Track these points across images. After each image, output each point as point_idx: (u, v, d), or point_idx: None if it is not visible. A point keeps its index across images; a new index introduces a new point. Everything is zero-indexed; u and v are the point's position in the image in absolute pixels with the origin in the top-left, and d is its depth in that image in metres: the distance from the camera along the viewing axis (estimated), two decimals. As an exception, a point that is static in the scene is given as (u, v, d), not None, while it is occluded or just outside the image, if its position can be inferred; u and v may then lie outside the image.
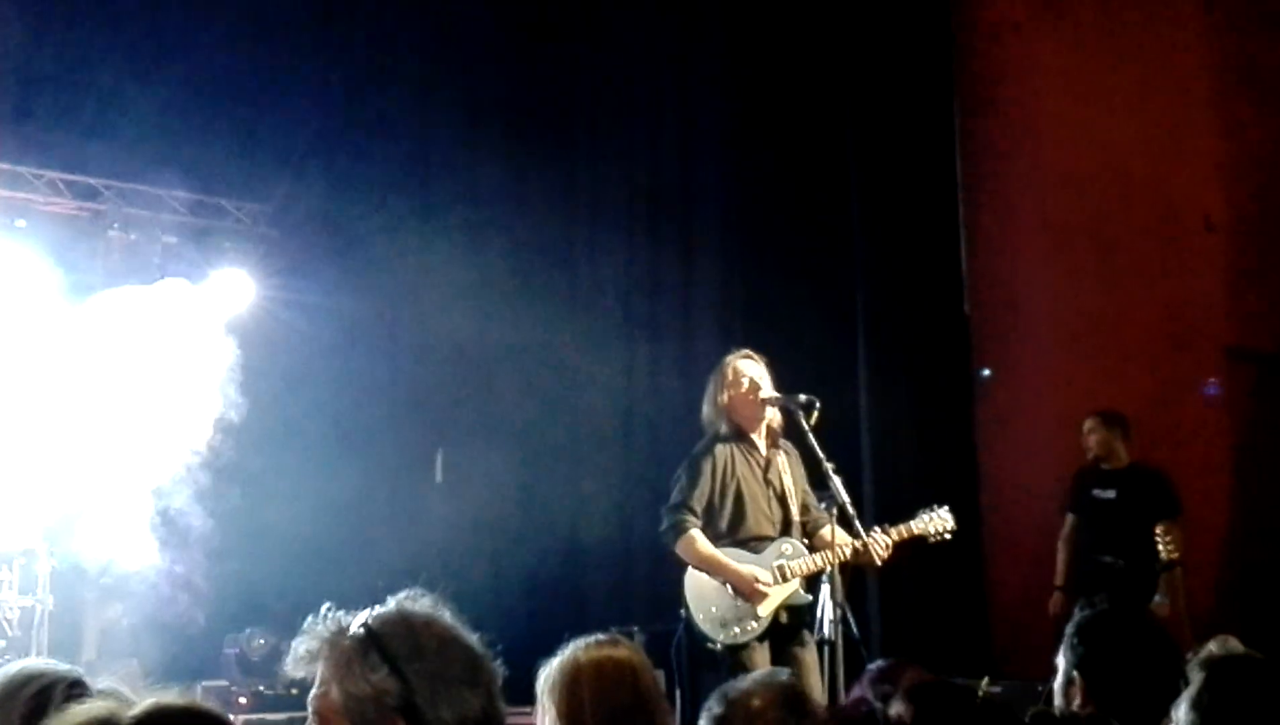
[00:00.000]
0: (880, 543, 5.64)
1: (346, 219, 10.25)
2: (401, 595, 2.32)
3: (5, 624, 8.11)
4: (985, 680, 6.65)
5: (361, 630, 2.22)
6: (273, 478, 9.99)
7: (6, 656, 7.94)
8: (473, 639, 2.27)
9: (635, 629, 7.99)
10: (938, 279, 8.79)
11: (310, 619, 2.35)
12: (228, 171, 10.00)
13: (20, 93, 9.28)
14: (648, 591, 8.45)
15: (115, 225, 9.74)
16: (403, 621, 2.25)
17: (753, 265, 9.17)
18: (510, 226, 9.83)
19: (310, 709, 2.25)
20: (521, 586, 8.97)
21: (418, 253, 9.89)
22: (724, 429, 5.86)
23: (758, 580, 5.57)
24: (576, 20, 9.78)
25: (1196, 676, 2.85)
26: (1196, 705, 2.74)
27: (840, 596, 5.64)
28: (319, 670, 2.26)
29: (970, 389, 8.71)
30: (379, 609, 2.27)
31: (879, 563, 5.72)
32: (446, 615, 2.29)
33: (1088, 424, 7.72)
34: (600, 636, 3.16)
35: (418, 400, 10.09)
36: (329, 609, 2.34)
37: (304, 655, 2.31)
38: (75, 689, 2.44)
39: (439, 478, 10.01)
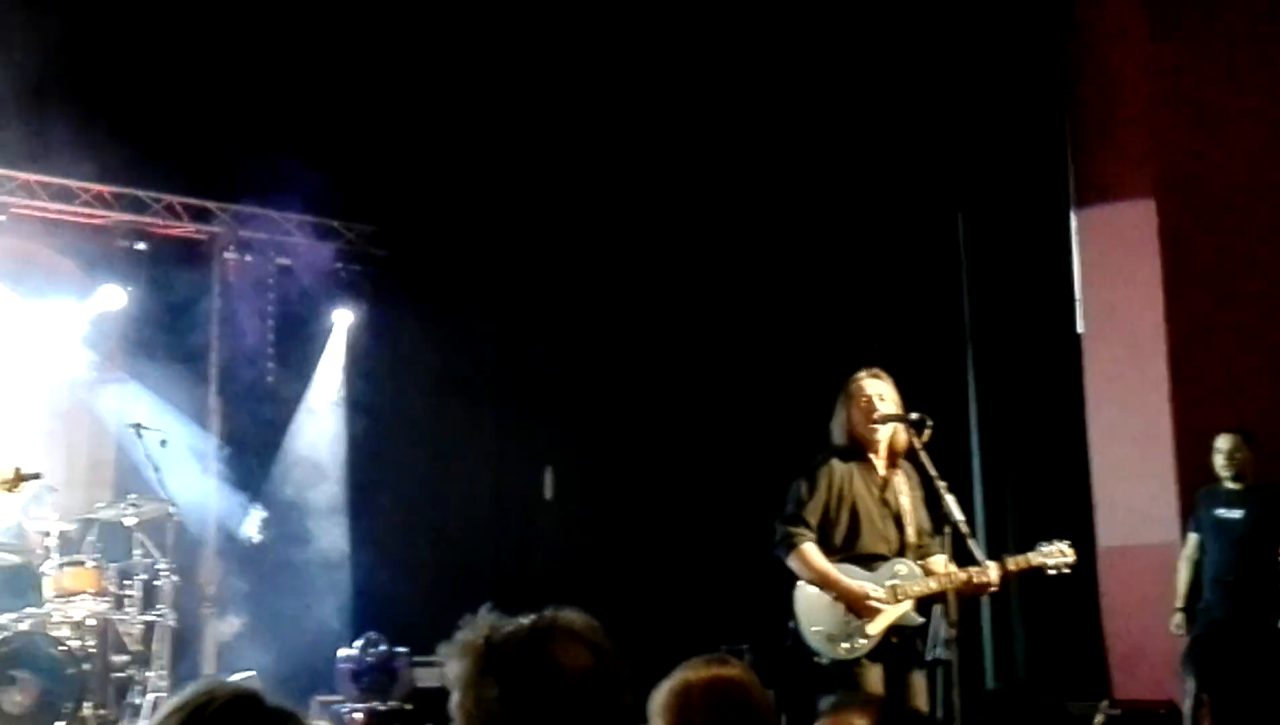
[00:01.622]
0: (995, 572, 5.51)
1: (453, 242, 10.40)
2: (532, 616, 2.27)
3: (128, 638, 8.27)
4: (1104, 703, 6.65)
5: (483, 644, 2.21)
6: (380, 491, 10.28)
7: (129, 670, 8.28)
8: (590, 659, 2.21)
9: (745, 647, 8.09)
10: (1049, 299, 8.75)
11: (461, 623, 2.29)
12: (339, 194, 10.14)
13: (140, 117, 9.38)
14: (756, 608, 8.36)
15: (228, 252, 10.10)
16: (536, 641, 2.23)
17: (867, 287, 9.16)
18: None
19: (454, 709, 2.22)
20: (628, 602, 8.76)
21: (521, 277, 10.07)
22: (843, 444, 5.83)
23: (870, 597, 5.52)
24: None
25: None
26: None
27: (954, 619, 5.53)
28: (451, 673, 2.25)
29: (1082, 411, 8.58)
30: (508, 626, 2.24)
31: (992, 590, 5.65)
32: (587, 636, 2.24)
33: (1229, 443, 7.57)
34: (710, 655, 3.08)
35: (525, 413, 10.17)
36: (484, 609, 2.31)
37: (444, 670, 2.27)
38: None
39: (548, 495, 10.13)
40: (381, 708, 8.70)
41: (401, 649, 9.12)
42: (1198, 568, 7.62)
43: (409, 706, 8.71)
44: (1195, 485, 7.86)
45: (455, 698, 2.19)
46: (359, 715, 8.63)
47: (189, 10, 9.10)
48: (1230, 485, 7.58)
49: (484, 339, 10.31)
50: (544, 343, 10.06)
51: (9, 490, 4.55)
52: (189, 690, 1.93)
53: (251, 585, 9.88)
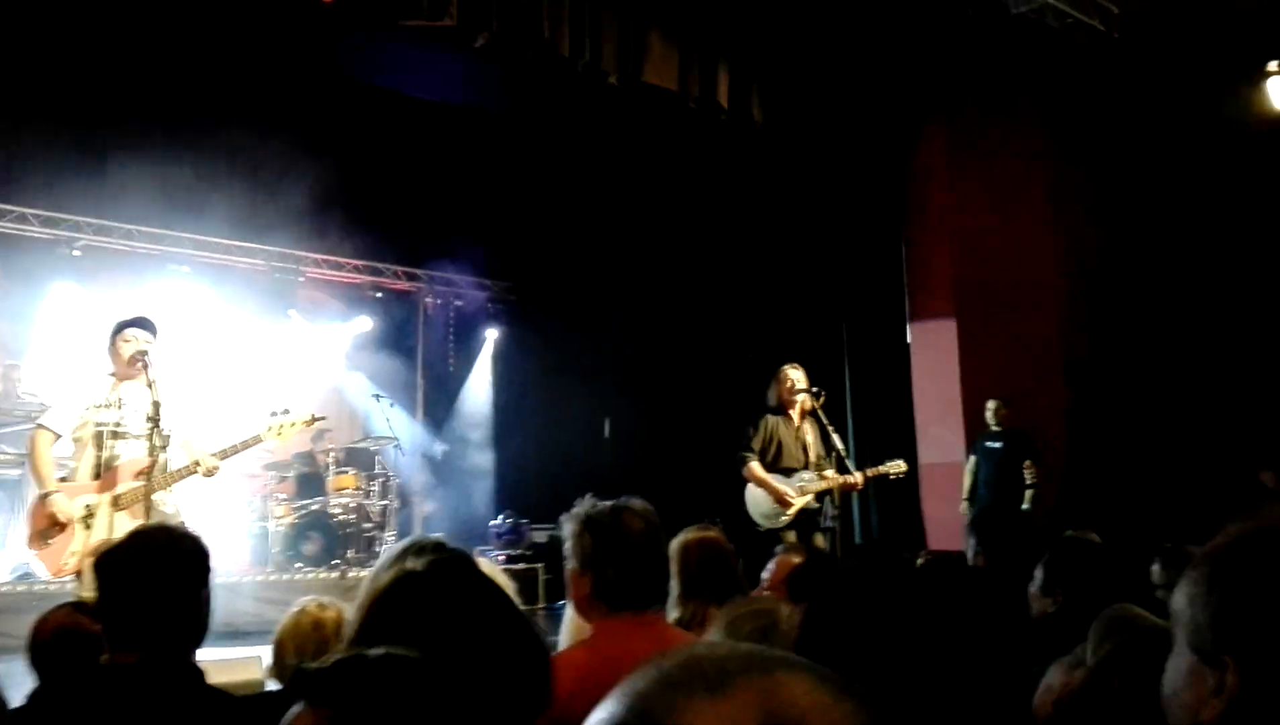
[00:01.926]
0: (859, 478, 5.72)
1: (553, 292, 10.44)
2: (623, 498, 2.26)
3: (372, 513, 8.39)
4: (923, 552, 6.79)
5: (585, 514, 2.22)
6: (516, 435, 10.40)
7: (372, 532, 8.31)
8: (651, 529, 2.21)
9: (718, 519, 8.30)
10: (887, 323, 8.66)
11: (575, 502, 2.31)
12: (490, 263, 10.26)
13: (378, 219, 9.52)
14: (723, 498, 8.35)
15: (428, 297, 10.40)
16: (607, 512, 2.22)
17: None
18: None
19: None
20: (654, 493, 8.65)
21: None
22: (774, 406, 5.89)
23: (785, 494, 5.67)
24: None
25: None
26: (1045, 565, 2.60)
27: (836, 504, 5.81)
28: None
29: (909, 391, 8.46)
30: (603, 504, 2.23)
31: (859, 488, 5.86)
32: (639, 514, 2.22)
33: (994, 403, 7.71)
34: (700, 524, 3.11)
35: (597, 386, 10.07)
36: (587, 497, 2.30)
37: (563, 522, 2.28)
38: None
39: (606, 434, 10.18)
40: (513, 553, 8.76)
41: (524, 520, 9.23)
42: (975, 476, 7.81)
43: (529, 553, 8.81)
44: (974, 429, 8.01)
45: (567, 545, 2.20)
46: (500, 557, 8.59)
47: (406, 147, 9.24)
48: (994, 428, 7.75)
49: (572, 343, 10.24)
50: (606, 346, 10.04)
51: (306, 427, 4.65)
52: (406, 539, 1.80)
53: (438, 485, 10.05)
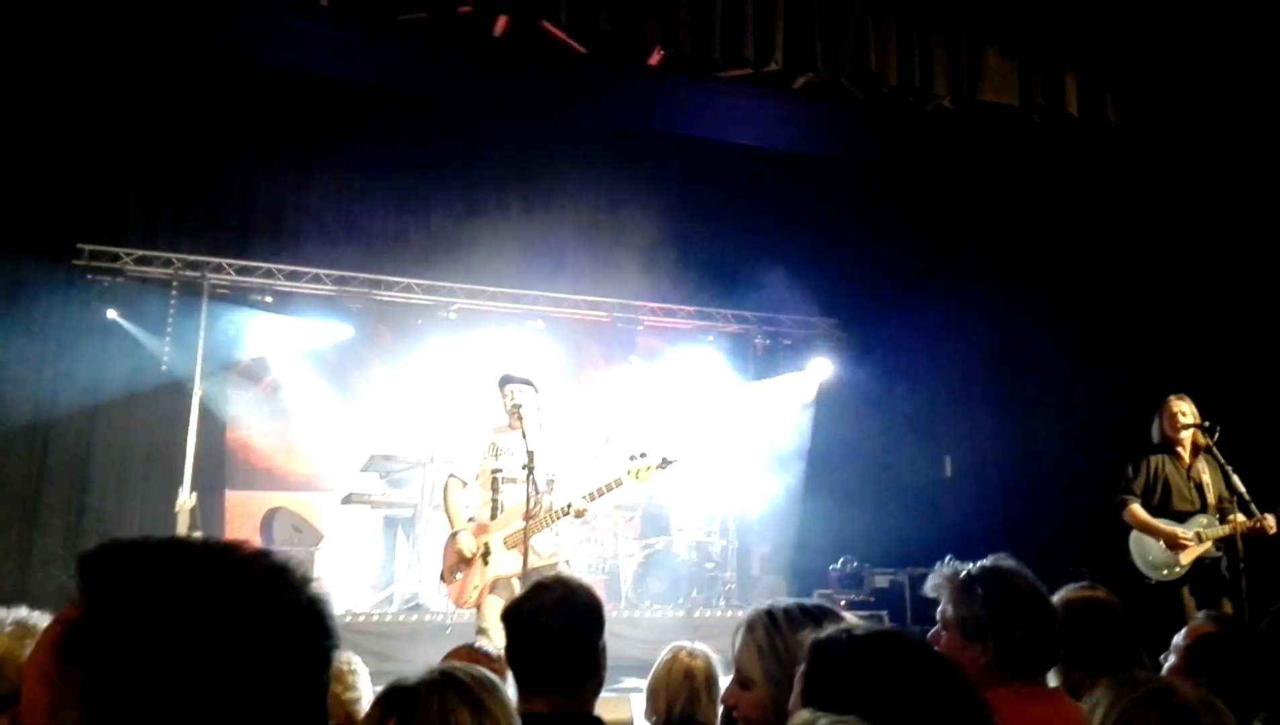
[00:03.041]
0: (1271, 520, 5.04)
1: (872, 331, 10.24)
2: (993, 557, 2.18)
3: (713, 553, 8.40)
4: None
5: (966, 575, 2.13)
6: (849, 474, 10.14)
7: (714, 573, 8.39)
8: (1038, 586, 2.12)
9: (1085, 570, 7.17)
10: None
11: (936, 565, 2.23)
12: (819, 304, 10.18)
13: (699, 255, 9.85)
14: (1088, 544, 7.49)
15: (756, 338, 10.50)
16: (994, 573, 2.14)
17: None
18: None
19: (938, 617, 2.15)
20: (1006, 547, 8.07)
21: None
22: (1158, 441, 5.42)
23: (1181, 536, 5.13)
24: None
25: None
26: None
27: (1240, 553, 5.04)
28: (942, 595, 2.16)
29: None
30: (983, 563, 2.15)
31: (1271, 533, 5.08)
32: (1024, 572, 2.14)
33: None
34: (1079, 584, 2.83)
35: (936, 427, 9.78)
36: (948, 559, 2.23)
37: (933, 586, 2.20)
38: None
39: (948, 473, 9.73)
40: (855, 598, 8.57)
41: (865, 563, 8.93)
42: None
43: (872, 599, 8.57)
44: None
45: (949, 610, 2.10)
46: (841, 601, 8.36)
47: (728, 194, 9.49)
48: None
49: (898, 376, 9.95)
50: (944, 378, 9.65)
51: (661, 469, 4.62)
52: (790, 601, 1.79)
53: (777, 526, 9.76)
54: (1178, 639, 2.62)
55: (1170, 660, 2.55)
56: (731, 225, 9.61)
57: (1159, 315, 7.82)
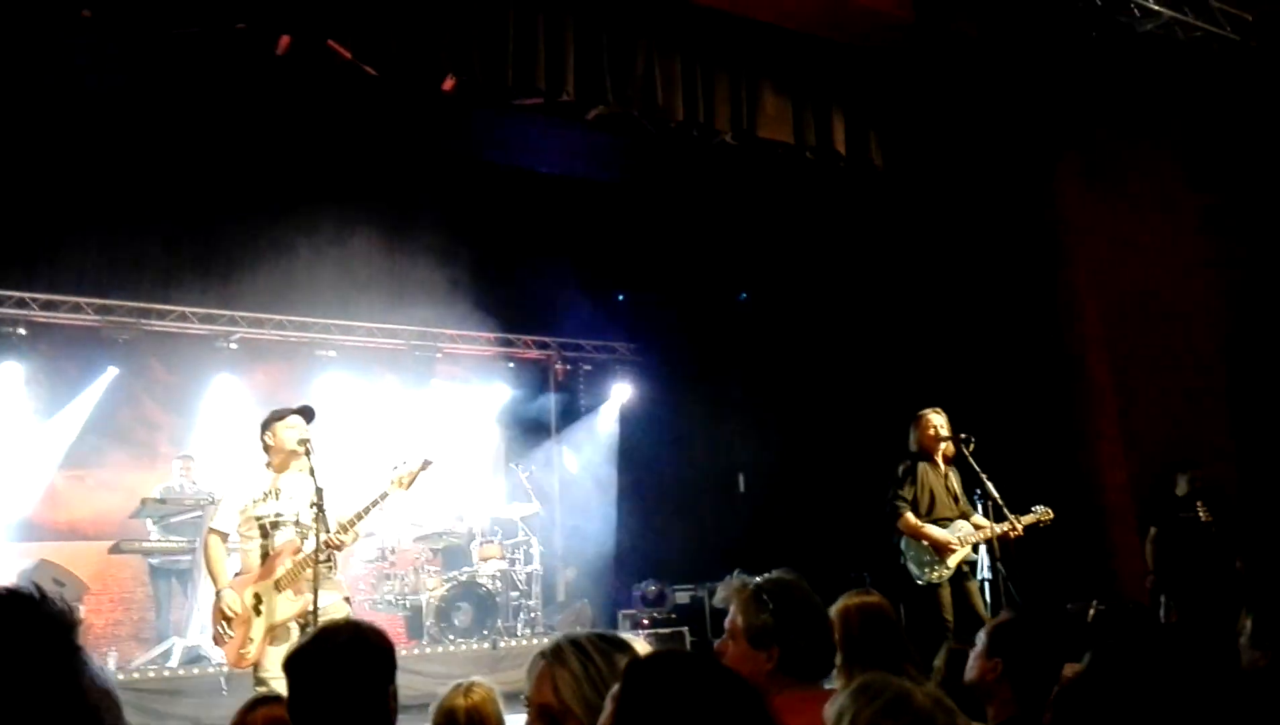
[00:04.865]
0: (1019, 526, 5.40)
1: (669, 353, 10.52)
2: (776, 571, 2.27)
3: (518, 582, 8.39)
4: (1094, 601, 6.38)
5: (754, 587, 2.22)
6: (649, 494, 10.29)
7: (519, 600, 8.31)
8: (815, 598, 2.23)
9: (865, 574, 7.64)
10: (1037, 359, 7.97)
11: (725, 578, 2.31)
12: (616, 328, 10.48)
13: (510, 306, 9.89)
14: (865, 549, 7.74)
15: (557, 363, 10.57)
16: (779, 585, 2.23)
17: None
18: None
19: (726, 628, 2.23)
20: (793, 554, 8.35)
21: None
22: (916, 451, 5.70)
23: (949, 542, 5.43)
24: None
25: None
26: None
27: (997, 554, 5.46)
28: (730, 608, 2.23)
29: (1072, 431, 7.72)
30: (766, 575, 2.24)
31: (1018, 535, 5.45)
32: (803, 584, 2.25)
33: (1184, 477, 7.03)
34: (858, 589, 2.96)
35: (726, 446, 10.08)
36: (735, 573, 2.30)
37: (721, 598, 2.27)
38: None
39: (741, 489, 10.05)
40: (658, 615, 8.69)
41: (665, 582, 9.05)
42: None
43: (674, 616, 8.69)
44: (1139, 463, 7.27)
45: (737, 621, 2.17)
46: (644, 619, 8.60)
47: (526, 220, 9.55)
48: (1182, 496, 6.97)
49: (694, 398, 10.21)
50: (733, 400, 9.97)
51: (423, 470, 4.50)
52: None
53: (579, 550, 10.00)
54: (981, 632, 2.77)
55: (976, 647, 2.68)
56: (531, 252, 9.61)
57: (917, 336, 8.43)
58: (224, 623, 4.20)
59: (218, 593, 4.25)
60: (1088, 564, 7.35)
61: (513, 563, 8.43)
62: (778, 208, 9.01)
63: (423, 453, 4.59)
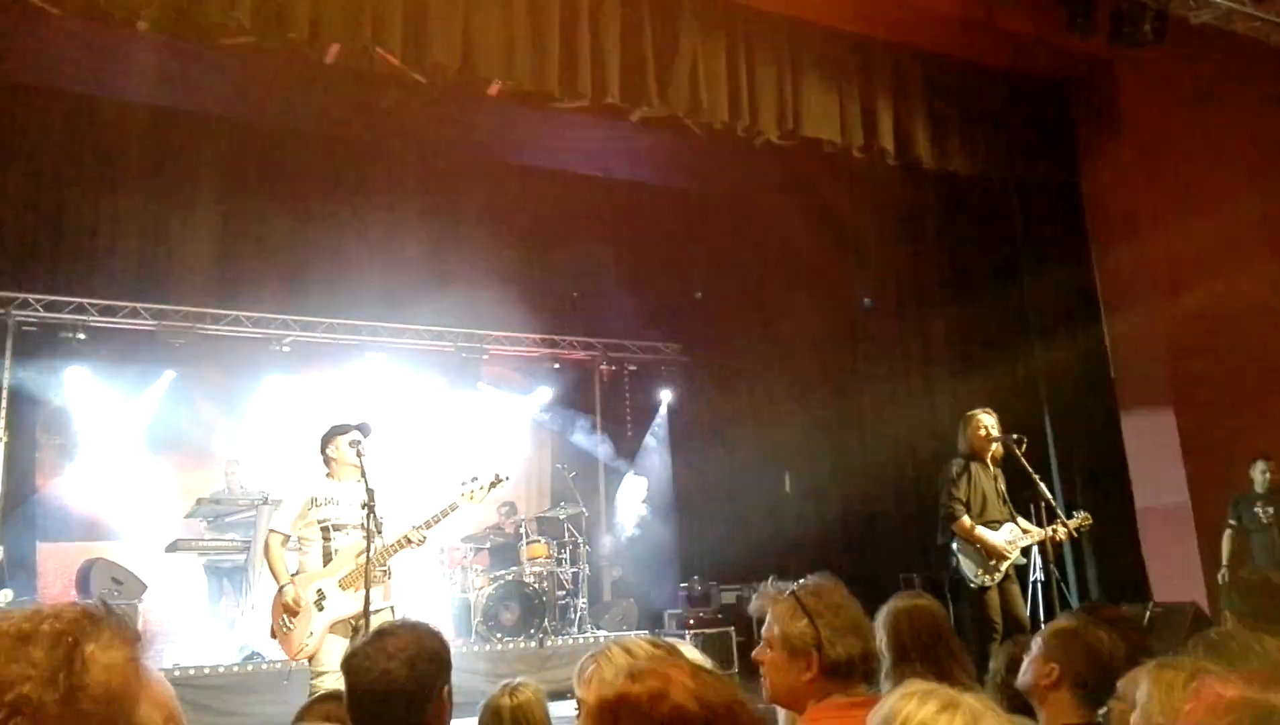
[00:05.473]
0: (1065, 530, 5.33)
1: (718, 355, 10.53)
2: (812, 576, 2.22)
3: (564, 582, 8.46)
4: (1150, 603, 6.18)
5: (791, 595, 2.18)
6: (696, 493, 10.38)
7: (566, 600, 8.38)
8: (856, 604, 2.18)
9: (915, 576, 7.57)
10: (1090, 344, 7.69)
11: (760, 585, 2.26)
12: (662, 330, 10.48)
13: (558, 310, 9.97)
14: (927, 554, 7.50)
15: (602, 364, 10.59)
16: (816, 591, 2.15)
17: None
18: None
19: (763, 637, 2.18)
20: (843, 556, 8.35)
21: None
22: (965, 452, 5.59)
23: (1002, 547, 5.34)
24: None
25: None
26: None
27: (1050, 556, 5.42)
28: (768, 615, 2.19)
29: (1116, 419, 7.42)
30: (804, 581, 2.20)
31: (1061, 540, 5.40)
32: (841, 588, 2.20)
33: (1261, 464, 6.84)
34: (909, 591, 2.95)
35: (776, 445, 9.96)
36: (771, 578, 2.28)
37: (756, 606, 2.24)
38: None
39: (787, 488, 9.91)
40: (704, 615, 8.67)
41: (711, 582, 9.09)
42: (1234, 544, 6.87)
43: (720, 616, 8.66)
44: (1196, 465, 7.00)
45: (774, 630, 2.13)
46: (690, 619, 8.56)
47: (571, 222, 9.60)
48: (1260, 491, 6.88)
49: (740, 398, 10.20)
50: (771, 399, 9.94)
51: (494, 486, 4.69)
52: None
53: (626, 550, 10.18)
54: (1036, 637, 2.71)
55: (1032, 651, 2.62)
56: (577, 253, 9.65)
57: (966, 334, 8.27)
58: (285, 616, 4.37)
59: (280, 588, 4.42)
60: (1133, 565, 7.21)
61: (559, 562, 8.46)
62: (824, 205, 8.94)
63: (494, 467, 4.74)
